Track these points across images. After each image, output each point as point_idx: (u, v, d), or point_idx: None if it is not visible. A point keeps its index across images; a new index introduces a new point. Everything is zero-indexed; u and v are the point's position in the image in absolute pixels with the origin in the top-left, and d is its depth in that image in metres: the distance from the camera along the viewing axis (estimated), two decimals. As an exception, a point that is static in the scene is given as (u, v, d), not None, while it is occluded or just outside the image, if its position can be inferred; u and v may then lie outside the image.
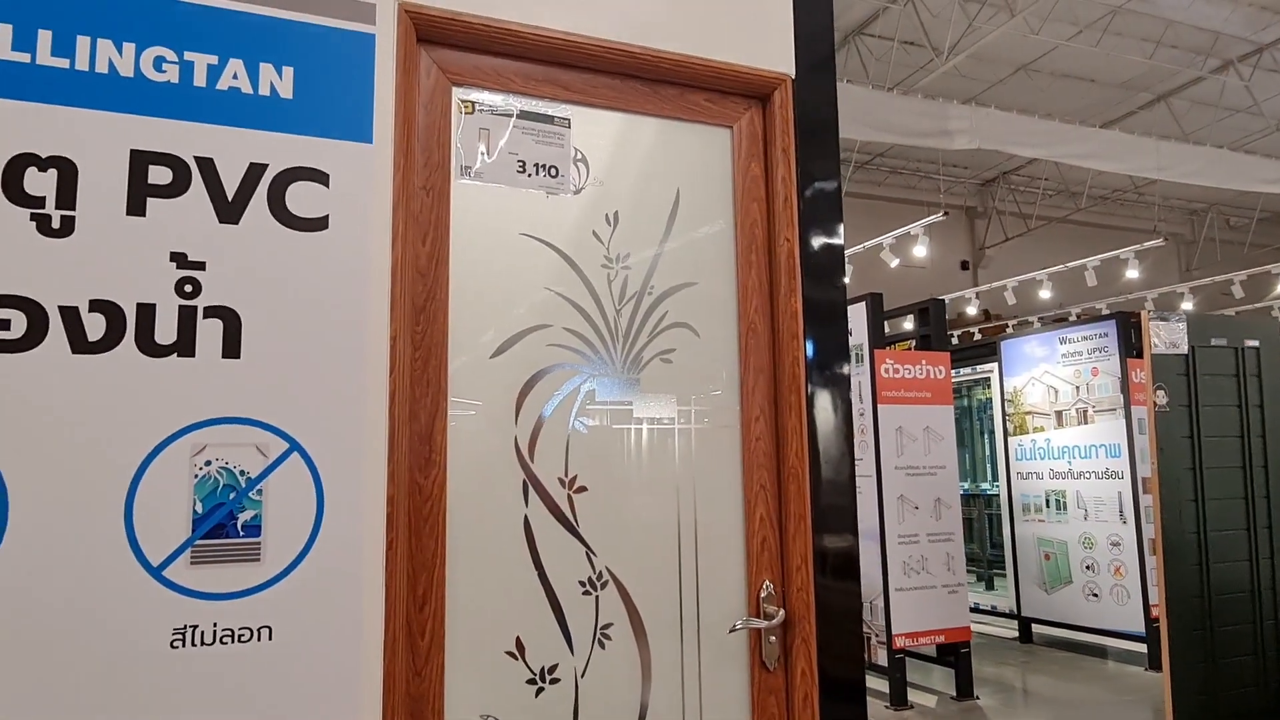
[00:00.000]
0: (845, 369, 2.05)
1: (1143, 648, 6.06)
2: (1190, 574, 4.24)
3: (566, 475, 1.78)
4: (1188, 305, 12.56)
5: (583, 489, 1.79)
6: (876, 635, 5.27)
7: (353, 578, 1.51)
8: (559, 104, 1.90)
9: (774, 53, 2.08)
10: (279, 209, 1.55)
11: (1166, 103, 13.10)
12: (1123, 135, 11.75)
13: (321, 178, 1.59)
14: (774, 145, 2.06)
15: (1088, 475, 6.45)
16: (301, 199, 1.57)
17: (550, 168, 1.87)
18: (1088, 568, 6.42)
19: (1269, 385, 4.50)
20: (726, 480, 1.93)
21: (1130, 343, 6.31)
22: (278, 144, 1.57)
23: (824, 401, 2.01)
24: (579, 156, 1.90)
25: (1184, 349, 4.31)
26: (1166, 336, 4.25)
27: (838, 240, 2.10)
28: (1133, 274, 11.66)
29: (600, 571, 1.78)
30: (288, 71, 1.60)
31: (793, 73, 2.09)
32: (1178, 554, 4.21)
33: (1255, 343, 4.54)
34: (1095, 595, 6.35)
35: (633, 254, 1.92)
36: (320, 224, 1.57)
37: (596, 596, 1.77)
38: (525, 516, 1.74)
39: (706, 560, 1.89)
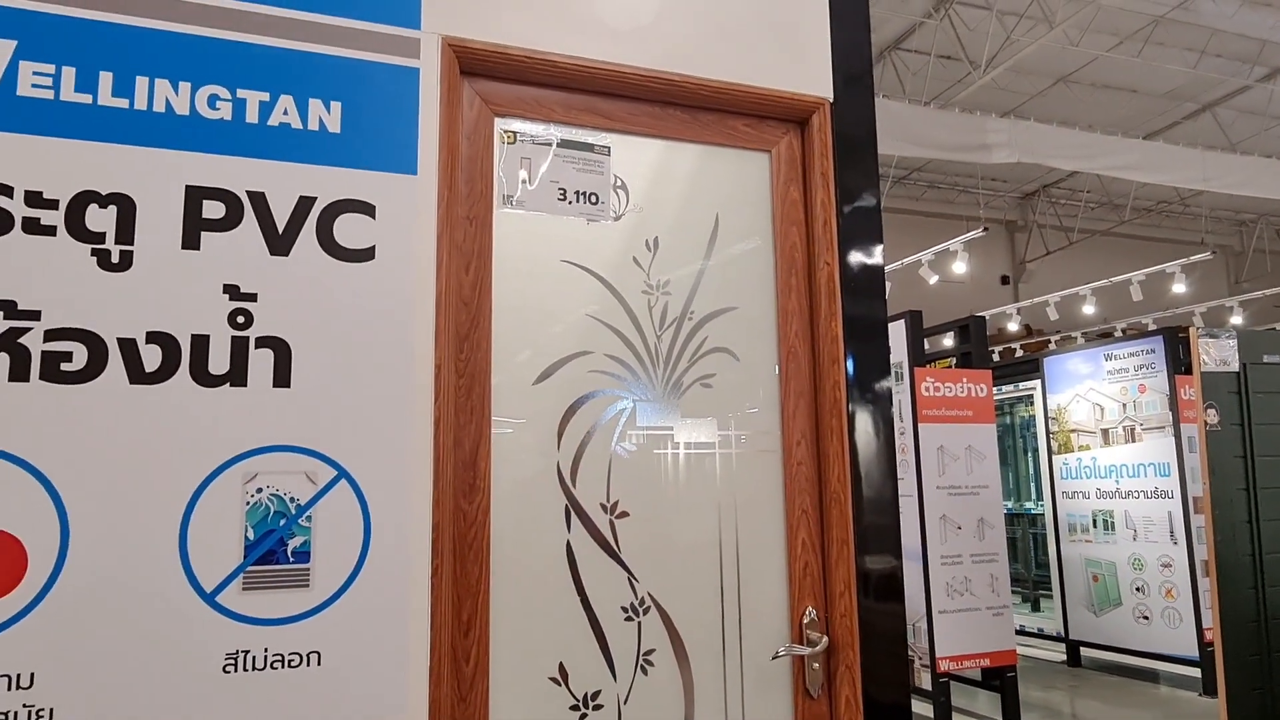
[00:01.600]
0: (887, 391, 2.04)
1: (1196, 672, 5.90)
2: (1245, 598, 4.12)
3: (608, 500, 1.79)
4: (1237, 319, 12.27)
5: (624, 514, 1.80)
6: (920, 658, 5.19)
7: (399, 603, 1.53)
8: (599, 132, 1.92)
9: (812, 77, 2.09)
10: (327, 241, 1.59)
11: (1212, 112, 12.86)
12: (1167, 146, 11.56)
13: (368, 209, 1.62)
14: (813, 169, 2.07)
15: (1136, 495, 6.31)
16: (349, 231, 1.60)
17: (591, 195, 1.89)
18: (1138, 589, 6.27)
19: (1325, 403, 4.37)
20: (768, 505, 1.93)
21: (1179, 359, 6.18)
22: (326, 177, 1.61)
23: (866, 424, 2.00)
24: (619, 183, 1.92)
25: (1235, 366, 4.21)
26: (1216, 353, 4.16)
27: (878, 262, 2.10)
28: (1180, 288, 11.43)
29: (642, 597, 1.78)
30: (335, 106, 1.64)
31: (830, 96, 2.09)
32: (1232, 577, 4.09)
33: (1310, 359, 4.42)
34: (1146, 618, 6.19)
35: (673, 279, 1.93)
36: (367, 255, 1.61)
37: (639, 622, 1.77)
38: (568, 542, 1.75)
39: (749, 586, 1.88)
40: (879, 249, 2.10)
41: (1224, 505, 4.13)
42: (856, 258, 2.06)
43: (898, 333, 5.52)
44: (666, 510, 1.84)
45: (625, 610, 1.77)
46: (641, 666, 1.76)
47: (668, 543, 1.83)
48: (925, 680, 5.13)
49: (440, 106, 1.72)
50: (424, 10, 1.74)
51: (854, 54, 2.16)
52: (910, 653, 5.26)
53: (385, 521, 1.54)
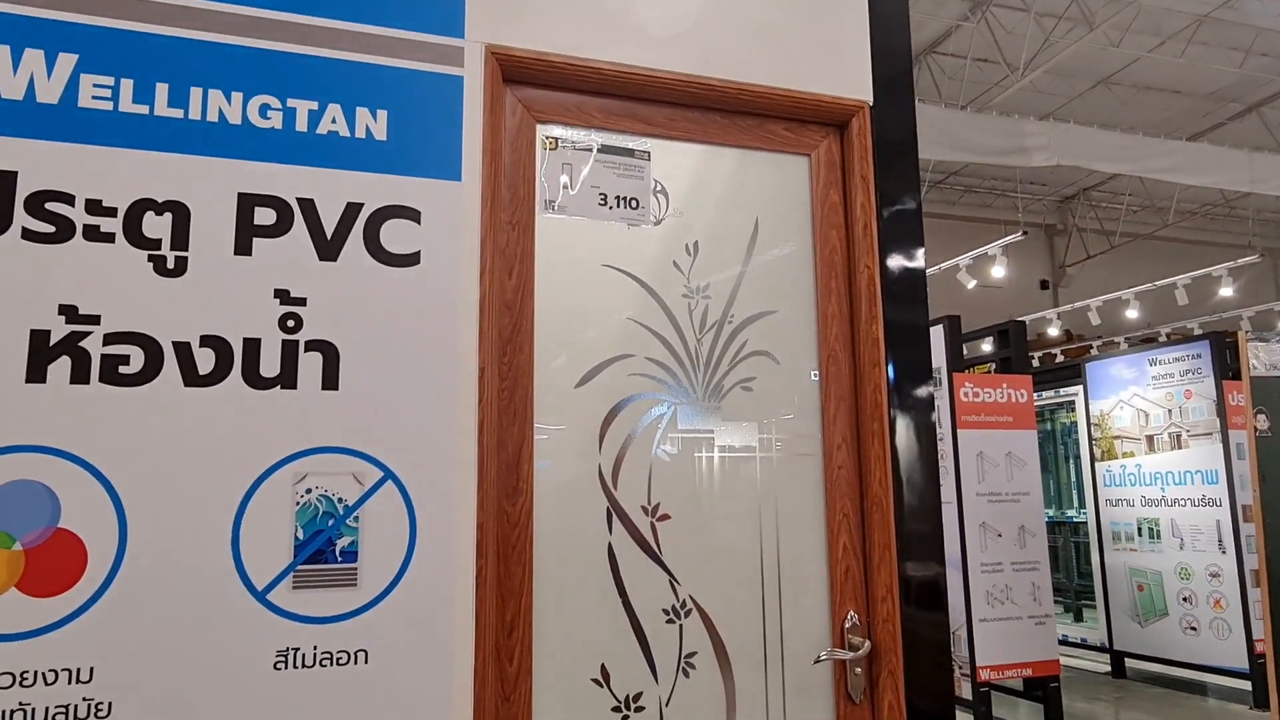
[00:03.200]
0: (929, 395, 2.03)
1: (1246, 685, 5.76)
2: (1298, 608, 4.01)
3: (649, 503, 1.80)
4: (1287, 323, 11.98)
5: (665, 517, 1.80)
6: (960, 667, 5.12)
7: (444, 603, 1.55)
8: (639, 137, 1.94)
9: (851, 81, 2.09)
10: (374, 246, 1.62)
11: (1258, 112, 12.59)
12: (1212, 147, 11.33)
13: (414, 215, 1.65)
14: (852, 172, 2.06)
15: (1183, 503, 6.18)
16: (395, 236, 1.63)
17: (631, 200, 1.90)
18: (1185, 599, 6.14)
19: (1381, 408, 4.25)
20: (808, 509, 1.92)
21: (1226, 364, 6.05)
22: (373, 184, 1.64)
23: (907, 428, 1.98)
24: (659, 188, 1.94)
25: (1286, 371, 4.11)
26: (1266, 358, 4.07)
27: (919, 265, 2.09)
28: (1226, 291, 11.19)
29: (684, 600, 1.79)
30: (382, 114, 1.67)
31: (870, 99, 2.09)
32: (1284, 586, 3.99)
33: (1364, 363, 4.30)
34: (1193, 629, 6.06)
35: (713, 283, 1.94)
36: (412, 259, 1.63)
37: (680, 625, 1.78)
38: (609, 544, 1.76)
39: (790, 590, 1.88)
40: (920, 252, 2.09)
41: (1276, 513, 4.03)
42: (897, 261, 2.05)
43: (936, 337, 5.47)
44: (707, 513, 1.85)
45: (667, 613, 1.77)
46: (683, 669, 1.77)
47: (709, 545, 1.83)
48: (965, 689, 5.06)
49: (484, 114, 1.75)
50: (468, 20, 1.77)
51: (894, 56, 2.15)
52: (950, 662, 5.20)
53: (430, 522, 1.56)
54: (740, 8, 2.02)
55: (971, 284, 10.70)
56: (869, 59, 2.11)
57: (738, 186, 2.02)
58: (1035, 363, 11.77)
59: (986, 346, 6.29)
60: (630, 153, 1.92)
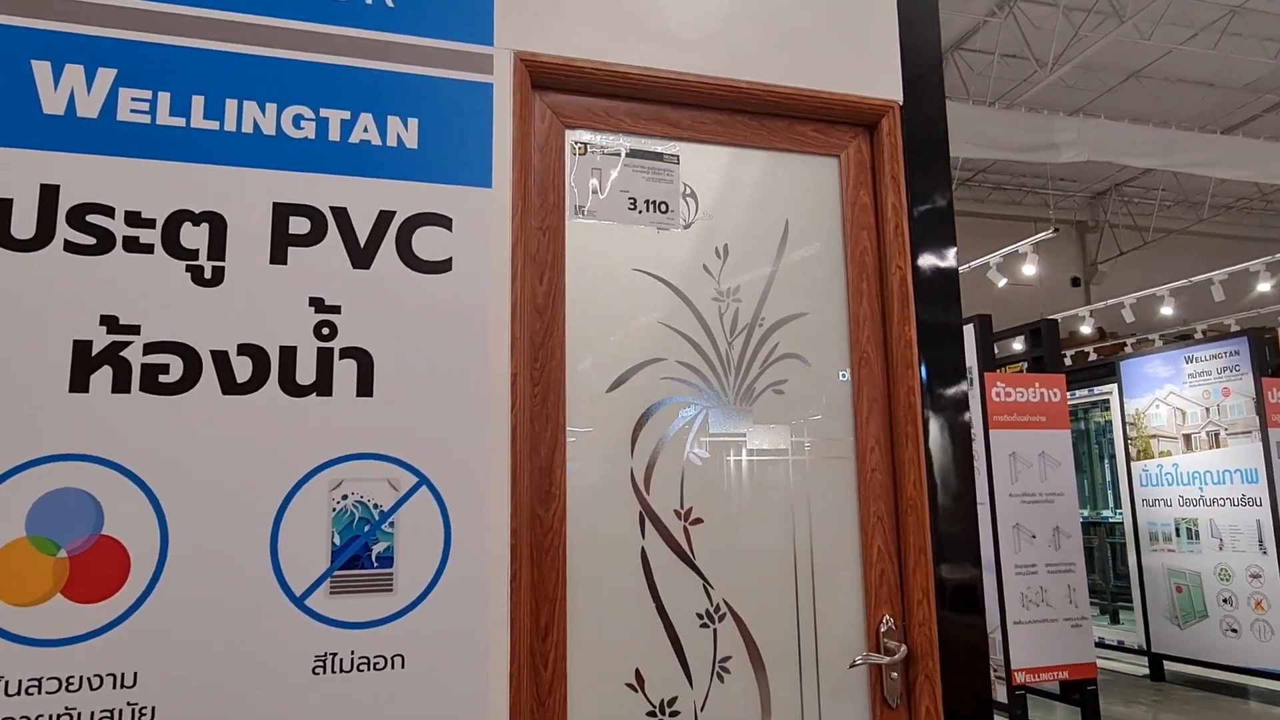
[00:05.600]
0: (963, 396, 2.01)
1: (1290, 688, 5.64)
2: (1344, 610, 3.93)
3: (682, 507, 1.80)
4: (1327, 318, 11.73)
5: (698, 521, 1.80)
6: (995, 670, 5.07)
7: (479, 608, 1.56)
8: (668, 141, 1.94)
9: (881, 80, 2.07)
10: (406, 253, 1.63)
11: (1295, 104, 12.35)
12: (1248, 141, 11.12)
13: (445, 222, 1.66)
14: (883, 172, 2.05)
15: (1222, 502, 6.08)
16: (427, 243, 1.64)
17: (660, 204, 1.90)
18: (1225, 601, 6.03)
19: None
20: (842, 512, 1.91)
21: (1265, 360, 5.94)
22: (405, 191, 1.65)
23: (941, 430, 1.97)
24: (688, 191, 1.93)
25: (1328, 367, 4.03)
26: (1308, 355, 3.98)
27: (951, 265, 2.07)
28: (1265, 287, 10.98)
29: (718, 604, 1.78)
30: (413, 123, 1.68)
31: (900, 99, 2.07)
32: (1329, 588, 3.91)
33: None
34: (1234, 630, 5.95)
35: (743, 286, 1.93)
36: (444, 266, 1.64)
37: (714, 629, 1.77)
38: (643, 548, 1.76)
39: (824, 593, 1.86)
40: (952, 252, 2.07)
41: (1319, 513, 3.95)
42: (929, 261, 2.04)
43: (967, 337, 5.42)
44: (740, 517, 1.84)
45: (700, 617, 1.77)
46: (718, 674, 1.76)
47: (742, 549, 1.83)
48: (1000, 692, 5.00)
49: (513, 120, 1.75)
50: (497, 27, 1.77)
51: (923, 55, 2.13)
52: (984, 664, 5.14)
53: (465, 527, 1.57)
54: (767, 9, 2.02)
55: (1002, 282, 10.59)
56: (898, 58, 2.10)
57: (767, 188, 2.01)
58: (1067, 361, 11.62)
59: (1018, 345, 6.22)
60: (659, 156, 1.92)
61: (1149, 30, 10.25)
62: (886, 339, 2.00)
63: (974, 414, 5.33)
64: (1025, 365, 6.07)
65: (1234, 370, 6.09)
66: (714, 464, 1.84)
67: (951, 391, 2.00)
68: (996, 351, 6.18)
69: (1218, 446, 6.13)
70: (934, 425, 1.96)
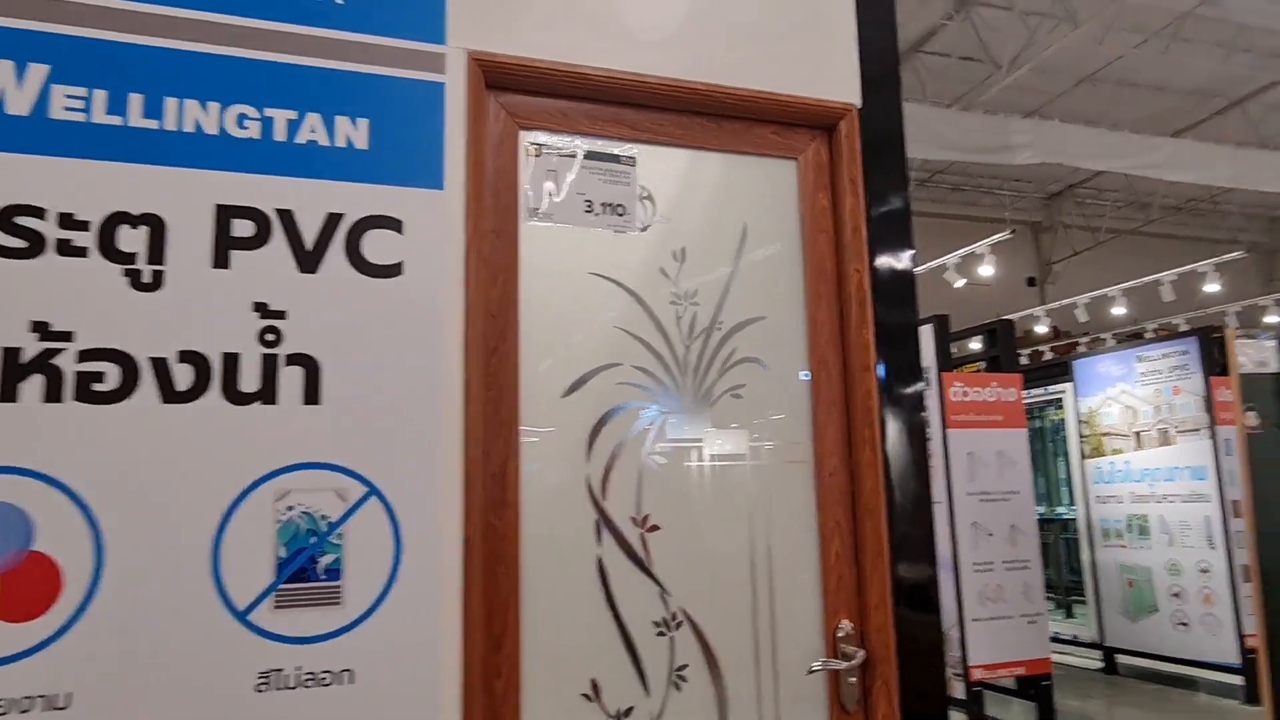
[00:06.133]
0: (920, 399, 2.01)
1: (1238, 680, 5.77)
2: (1288, 604, 4.03)
3: (639, 514, 1.77)
4: (1273, 318, 12.06)
5: (655, 528, 1.78)
6: (953, 667, 5.12)
7: (430, 619, 1.52)
8: (625, 143, 1.91)
9: (838, 83, 2.07)
10: (355, 257, 1.59)
11: (1242, 108, 12.65)
12: (1196, 144, 11.38)
13: (395, 225, 1.62)
14: (840, 175, 2.05)
15: (1172, 499, 6.20)
16: (376, 246, 1.60)
17: (617, 206, 1.88)
18: (1175, 595, 6.16)
19: (1367, 403, 4.27)
20: (800, 517, 1.90)
21: (1213, 360, 6.07)
22: (353, 194, 1.61)
23: (899, 433, 1.97)
24: (645, 194, 1.91)
25: (1274, 367, 4.13)
26: (1254, 355, 4.07)
27: (909, 268, 2.07)
28: (1212, 287, 11.24)
29: (674, 612, 1.76)
30: (362, 123, 1.64)
31: (858, 102, 2.07)
32: (1276, 583, 4.00)
33: (1350, 359, 4.32)
34: (1184, 624, 6.08)
35: (700, 290, 1.91)
36: (394, 270, 1.60)
37: (671, 637, 1.75)
38: (598, 556, 1.73)
39: (782, 600, 1.85)
40: (909, 254, 2.07)
41: (1266, 509, 4.04)
42: (887, 264, 2.04)
43: (924, 337, 5.47)
44: (698, 523, 1.82)
45: (657, 625, 1.75)
46: (674, 682, 1.74)
47: (699, 556, 1.81)
48: (958, 690, 5.06)
49: (466, 121, 1.72)
50: (449, 25, 1.74)
51: (881, 59, 2.14)
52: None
53: (416, 537, 1.54)
54: (727, 11, 2.00)
55: (960, 282, 10.73)
56: (857, 61, 2.10)
57: (725, 191, 1.99)
58: (1024, 360, 11.81)
59: (976, 345, 6.29)
60: (616, 158, 1.90)
61: (1101, 35, 10.44)
62: (844, 342, 2.00)
63: (932, 414, 5.38)
64: (983, 365, 6.14)
65: (1184, 369, 6.22)
66: (672, 469, 1.82)
67: (909, 393, 2.01)
68: (955, 351, 6.25)
69: (1168, 444, 6.26)
70: (892, 428, 1.96)
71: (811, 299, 2.00)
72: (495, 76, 1.79)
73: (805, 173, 2.05)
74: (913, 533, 1.94)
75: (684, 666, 1.75)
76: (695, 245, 1.93)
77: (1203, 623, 5.96)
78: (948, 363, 5.52)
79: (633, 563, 1.75)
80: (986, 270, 10.23)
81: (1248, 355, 4.06)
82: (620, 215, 1.88)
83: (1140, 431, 6.46)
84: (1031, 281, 15.93)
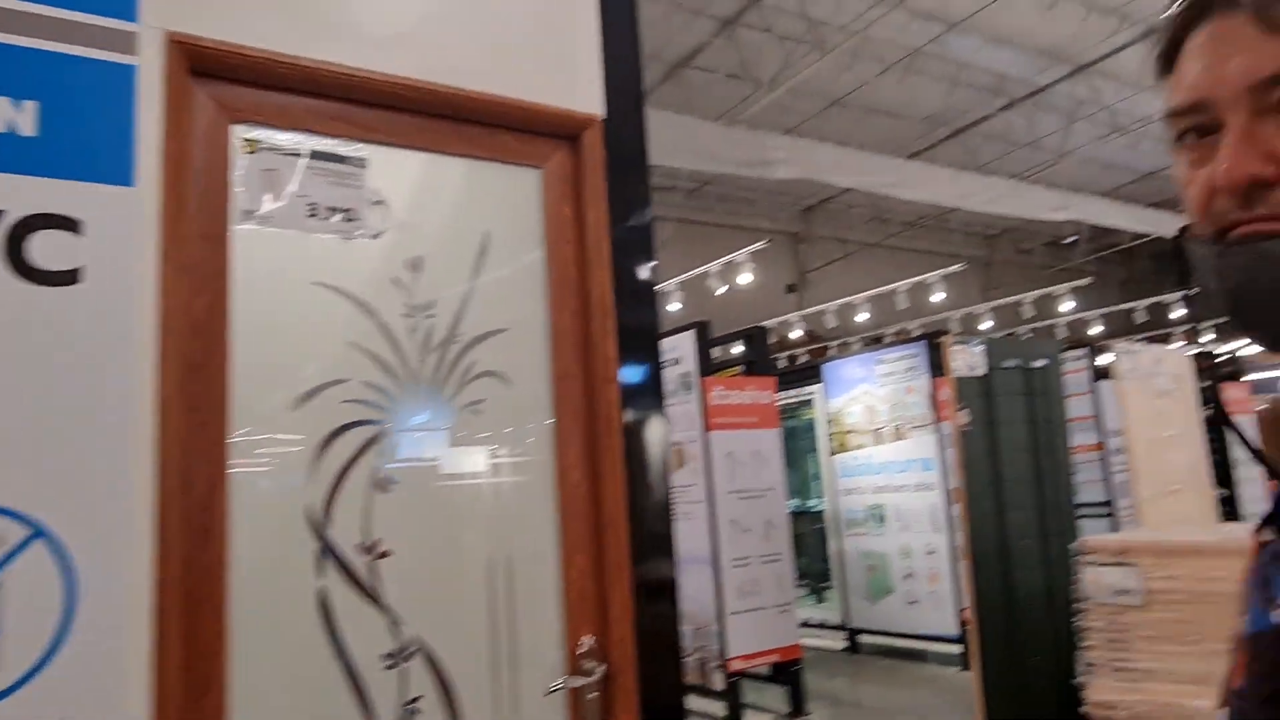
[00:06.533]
0: (662, 408, 2.04)
1: (957, 649, 6.45)
2: (994, 581, 4.54)
3: (367, 540, 1.67)
4: (988, 324, 13.64)
5: (386, 554, 1.68)
6: (712, 660, 5.33)
7: (113, 674, 1.34)
8: (355, 143, 1.79)
9: (583, 94, 2.06)
10: (19, 261, 1.37)
11: (963, 137, 14.21)
12: (926, 166, 12.66)
13: (72, 225, 1.41)
14: (585, 186, 2.04)
15: (905, 489, 6.82)
16: (47, 250, 1.39)
17: (346, 211, 1.76)
18: (907, 576, 6.78)
19: (1055, 402, 4.91)
20: (543, 532, 1.87)
21: (938, 363, 6.74)
22: (17, 188, 1.39)
23: (642, 443, 1.99)
24: (378, 199, 1.80)
25: (982, 371, 4.64)
26: (966, 360, 4.56)
27: (651, 279, 2.10)
28: (938, 296, 12.52)
29: (407, 642, 1.67)
30: (30, 106, 1.42)
31: (602, 113, 2.07)
32: (982, 564, 4.50)
33: (1043, 363, 4.95)
34: (914, 602, 6.70)
35: (438, 301, 1.83)
36: (71, 277, 1.40)
37: (402, 669, 1.66)
38: (320, 588, 1.60)
39: (523, 619, 1.81)
40: (652, 266, 2.10)
41: (975, 498, 4.52)
42: (629, 275, 2.05)
43: (687, 343, 5.66)
44: (434, 546, 1.74)
45: (387, 658, 1.65)
46: (406, 717, 1.65)
47: (436, 581, 1.73)
48: (718, 682, 5.27)
49: (164, 110, 1.53)
50: (144, 1, 1.54)
51: (626, 73, 2.15)
52: (705, 654, 5.40)
53: (95, 583, 1.34)
54: (466, 14, 1.93)
55: (722, 289, 11.25)
56: (601, 73, 2.10)
57: (466, 198, 1.93)
58: (782, 363, 12.59)
59: (737, 350, 6.61)
60: (344, 159, 1.78)
61: (848, 63, 11.35)
62: (588, 353, 1.99)
63: (694, 417, 5.57)
64: (742, 369, 6.46)
65: (915, 371, 6.86)
66: (405, 491, 1.72)
67: (652, 404, 2.03)
68: (719, 355, 6.52)
69: (902, 439, 6.88)
70: (634, 438, 1.98)
71: (555, 310, 1.97)
72: (201, 62, 1.61)
73: (549, 182, 2.03)
74: (655, 540, 1.97)
75: (417, 699, 1.67)
76: (433, 254, 1.85)
77: (929, 599, 6.60)
78: (709, 367, 5.74)
79: (360, 593, 1.64)
80: (747, 278, 10.80)
81: (961, 360, 4.53)
82: (349, 221, 1.76)
83: (879, 428, 7.06)
84: (791, 288, 17.04)
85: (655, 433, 2.02)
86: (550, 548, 1.88)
